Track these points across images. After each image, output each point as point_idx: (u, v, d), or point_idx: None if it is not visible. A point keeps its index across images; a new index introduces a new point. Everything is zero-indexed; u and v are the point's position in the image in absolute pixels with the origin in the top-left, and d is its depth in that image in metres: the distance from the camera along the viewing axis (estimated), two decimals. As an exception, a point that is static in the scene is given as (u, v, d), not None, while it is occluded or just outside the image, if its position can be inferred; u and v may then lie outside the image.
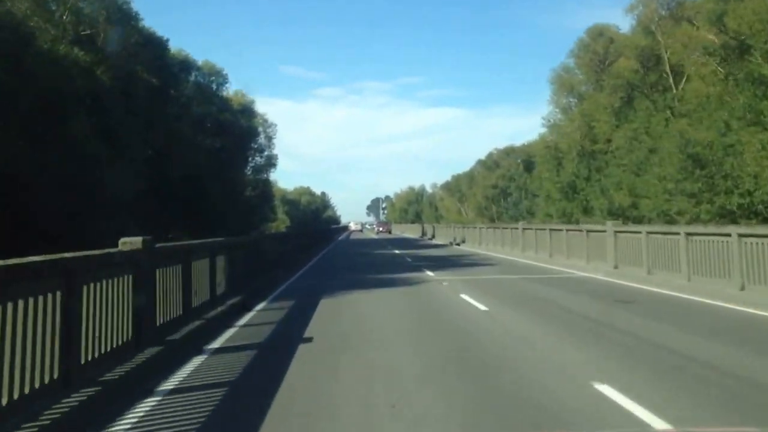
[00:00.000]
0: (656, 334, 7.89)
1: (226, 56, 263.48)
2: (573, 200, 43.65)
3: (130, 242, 6.69)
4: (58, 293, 4.72)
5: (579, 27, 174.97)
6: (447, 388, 5.40)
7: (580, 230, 19.00)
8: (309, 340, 7.76)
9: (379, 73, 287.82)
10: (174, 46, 37.83)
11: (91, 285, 5.37)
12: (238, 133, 45.76)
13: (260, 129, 53.67)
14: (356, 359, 6.60)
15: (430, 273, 17.47)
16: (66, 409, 4.42)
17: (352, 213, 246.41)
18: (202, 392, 5.30)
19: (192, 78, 43.82)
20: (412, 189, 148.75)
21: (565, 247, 19.96)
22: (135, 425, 4.45)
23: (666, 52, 37.97)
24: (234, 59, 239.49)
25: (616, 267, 15.66)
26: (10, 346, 4.06)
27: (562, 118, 49.11)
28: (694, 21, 33.87)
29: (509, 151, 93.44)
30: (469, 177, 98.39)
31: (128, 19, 30.67)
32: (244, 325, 9.11)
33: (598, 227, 17.99)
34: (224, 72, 45.14)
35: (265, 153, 54.09)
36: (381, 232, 74.62)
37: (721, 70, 30.09)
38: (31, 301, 4.33)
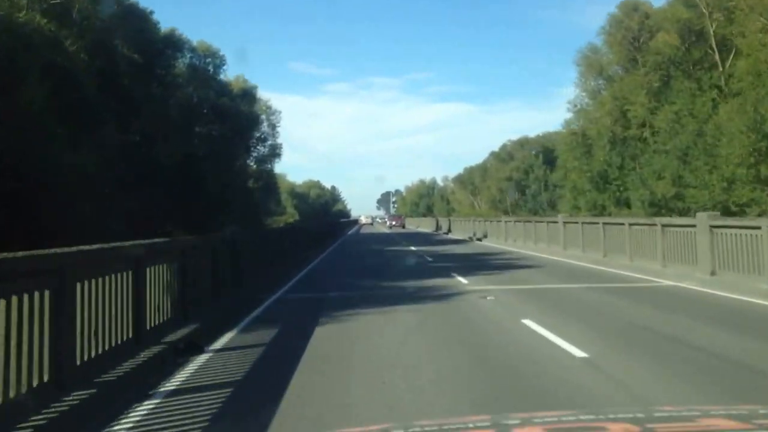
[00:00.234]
0: None
1: (237, 53, 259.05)
2: (605, 191, 39.61)
3: None
4: None
5: (587, 23, 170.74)
6: None
7: (653, 224, 15.06)
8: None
9: (387, 69, 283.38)
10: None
11: None
12: (237, 119, 41.98)
13: (263, 117, 49.94)
14: None
15: (462, 279, 13.65)
16: None
17: (362, 207, 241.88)
18: None
19: (187, 60, 40.09)
20: (422, 182, 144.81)
21: (627, 246, 16.06)
22: None
23: (712, 26, 33.84)
24: (244, 55, 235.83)
25: (713, 273, 11.76)
26: None
27: (589, 103, 44.99)
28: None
29: (523, 143, 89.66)
30: (482, 169, 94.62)
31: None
32: (169, 396, 5.06)
33: (681, 221, 14.12)
34: (221, 53, 41.28)
35: (269, 142, 50.35)
36: (394, 226, 69.92)
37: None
38: None
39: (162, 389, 5.26)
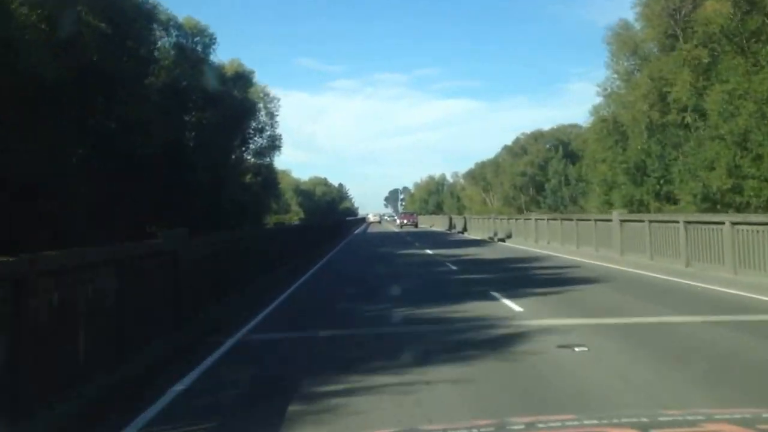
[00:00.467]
0: None
1: (248, 53, 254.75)
2: (642, 184, 35.16)
3: None
4: None
5: (597, 19, 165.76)
6: None
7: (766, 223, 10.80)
8: None
9: (394, 65, 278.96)
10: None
11: None
12: (231, 106, 37.80)
13: (260, 105, 45.71)
14: None
15: (511, 305, 9.40)
16: None
17: (369, 205, 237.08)
18: None
19: (173, 39, 35.97)
20: (431, 178, 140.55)
21: (726, 254, 11.81)
22: None
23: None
24: (251, 52, 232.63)
25: None
26: None
27: (621, 85, 40.50)
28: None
29: (537, 136, 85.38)
30: (495, 164, 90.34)
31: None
32: None
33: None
34: (210, 31, 37.03)
35: (267, 133, 45.93)
36: (406, 224, 61.83)
37: None
38: None
39: None
